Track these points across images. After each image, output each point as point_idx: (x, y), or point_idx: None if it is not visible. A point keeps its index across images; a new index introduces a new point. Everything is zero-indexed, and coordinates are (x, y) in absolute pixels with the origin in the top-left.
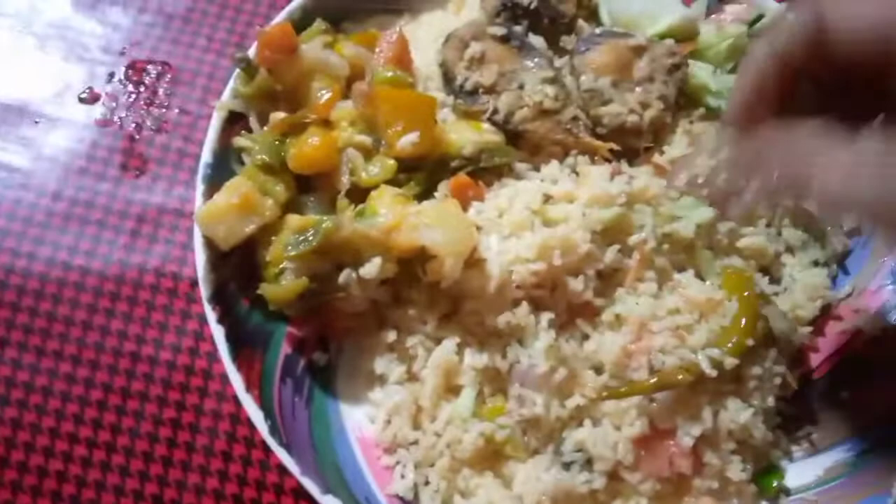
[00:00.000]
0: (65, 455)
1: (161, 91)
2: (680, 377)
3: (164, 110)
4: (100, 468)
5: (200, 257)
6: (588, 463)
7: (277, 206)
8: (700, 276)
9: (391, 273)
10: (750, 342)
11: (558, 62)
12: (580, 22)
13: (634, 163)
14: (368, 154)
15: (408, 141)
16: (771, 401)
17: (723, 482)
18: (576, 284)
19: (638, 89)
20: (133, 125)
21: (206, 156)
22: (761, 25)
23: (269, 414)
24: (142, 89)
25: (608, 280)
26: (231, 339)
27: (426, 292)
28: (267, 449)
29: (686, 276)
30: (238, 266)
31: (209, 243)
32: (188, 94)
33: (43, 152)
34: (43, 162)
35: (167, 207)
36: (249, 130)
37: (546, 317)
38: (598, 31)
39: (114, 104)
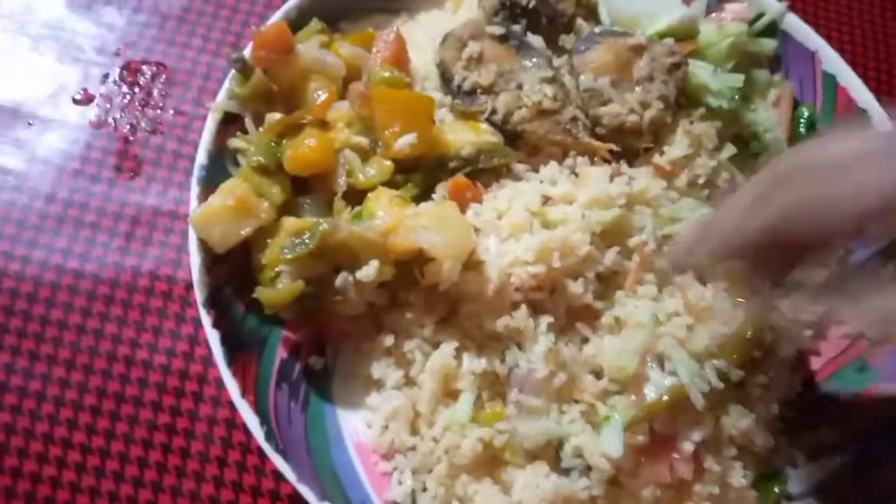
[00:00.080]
0: (59, 460)
1: (156, 92)
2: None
3: (158, 111)
4: (94, 474)
5: (195, 260)
6: (588, 469)
7: (273, 209)
8: (700, 279)
9: (388, 276)
10: (756, 353)
11: (557, 62)
12: (579, 21)
13: (634, 163)
14: (365, 155)
15: (405, 142)
16: (774, 408)
17: (724, 488)
18: (575, 287)
19: (638, 89)
20: (128, 126)
21: (202, 157)
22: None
23: (264, 419)
24: (136, 90)
25: (608, 282)
26: (226, 343)
27: (424, 295)
28: (263, 454)
29: (686, 278)
30: (233, 269)
31: (204, 246)
32: (183, 94)
33: (37, 154)
34: (36, 164)
35: (162, 209)
36: (245, 131)
37: (545, 320)
38: (597, 30)
39: (108, 105)
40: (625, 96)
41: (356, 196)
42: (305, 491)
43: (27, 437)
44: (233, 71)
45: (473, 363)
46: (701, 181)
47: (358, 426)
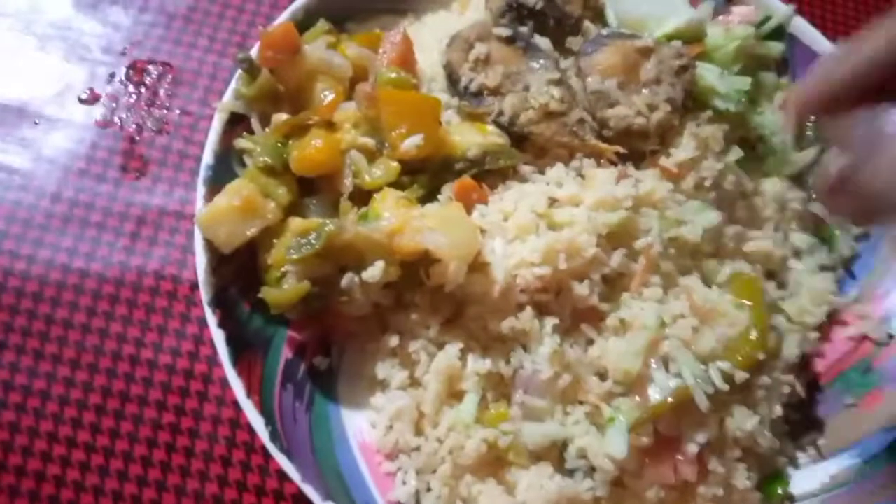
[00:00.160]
0: (63, 459)
1: (162, 92)
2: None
3: (165, 111)
4: (98, 473)
5: (201, 260)
6: (592, 470)
7: (279, 209)
8: (706, 282)
9: (394, 277)
10: (760, 356)
11: (564, 63)
12: (586, 23)
13: (641, 166)
14: (372, 156)
15: (412, 143)
16: (778, 409)
17: (728, 490)
18: (581, 289)
19: (645, 91)
20: (133, 126)
21: (208, 157)
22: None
23: (269, 419)
24: (143, 90)
25: (613, 284)
26: (232, 343)
27: (429, 296)
28: (267, 454)
29: (692, 280)
30: (239, 269)
31: (210, 246)
32: (189, 94)
33: (42, 153)
34: (42, 163)
35: (167, 209)
36: (251, 132)
37: (550, 322)
38: (604, 32)
39: (114, 105)
40: (632, 98)
41: (362, 197)
42: (310, 490)
43: (31, 436)
44: (239, 71)
45: (478, 364)
46: (707, 184)
47: (362, 426)
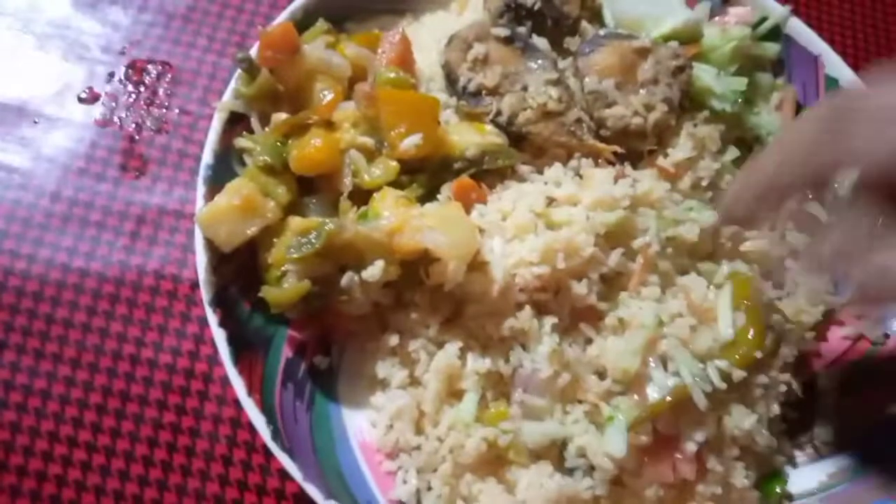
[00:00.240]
0: (64, 459)
1: (161, 91)
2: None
3: (164, 110)
4: (99, 472)
5: (201, 259)
6: (591, 469)
7: (279, 208)
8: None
9: (394, 276)
10: (758, 354)
11: (562, 64)
12: (584, 23)
13: (638, 166)
14: (371, 156)
15: (411, 143)
16: (776, 408)
17: (726, 488)
18: (579, 288)
19: (642, 91)
20: (133, 125)
21: (208, 157)
22: (763, 29)
23: (270, 418)
24: (142, 89)
25: (612, 284)
26: (232, 342)
27: (429, 295)
28: (268, 453)
29: (690, 279)
30: (239, 268)
31: (210, 245)
32: (188, 94)
33: (42, 152)
34: (42, 162)
35: (167, 209)
36: (251, 131)
37: (549, 321)
38: (601, 32)
39: (114, 104)
40: (629, 99)
41: (362, 196)
42: (311, 489)
43: (32, 436)
44: (239, 71)
45: (478, 363)
46: (704, 183)
47: (363, 425)
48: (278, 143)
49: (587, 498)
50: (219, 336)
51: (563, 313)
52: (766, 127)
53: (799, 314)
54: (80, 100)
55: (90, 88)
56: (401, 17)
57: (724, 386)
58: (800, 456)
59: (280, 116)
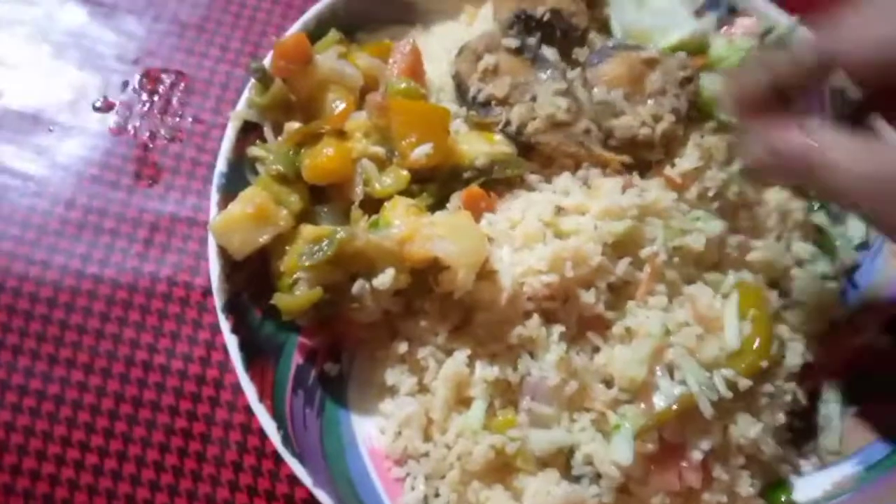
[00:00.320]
0: (76, 463)
1: (175, 100)
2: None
3: (177, 119)
4: (111, 477)
5: (214, 267)
6: (598, 477)
7: (292, 217)
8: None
9: (404, 284)
10: (764, 364)
11: (571, 74)
12: (592, 34)
13: (646, 175)
14: (382, 165)
15: (421, 152)
16: (781, 417)
17: (731, 497)
18: (587, 297)
19: (650, 102)
20: (147, 134)
21: (221, 165)
22: (770, 40)
23: (281, 424)
24: (156, 98)
25: (619, 293)
26: (244, 348)
27: (438, 303)
28: (277, 459)
29: (696, 288)
30: (251, 276)
31: (223, 253)
32: (202, 103)
33: (57, 160)
34: (57, 170)
35: (180, 216)
36: (264, 140)
37: (557, 329)
38: (610, 43)
39: (128, 113)
40: (637, 109)
41: (373, 205)
42: (321, 495)
43: (46, 440)
44: (252, 80)
45: (486, 371)
46: (711, 193)
47: (372, 432)
48: (291, 153)
49: None
50: (231, 342)
51: (570, 322)
52: None
53: (805, 324)
54: (95, 108)
55: (105, 97)
56: (411, 28)
57: (730, 395)
58: (805, 465)
59: (293, 126)
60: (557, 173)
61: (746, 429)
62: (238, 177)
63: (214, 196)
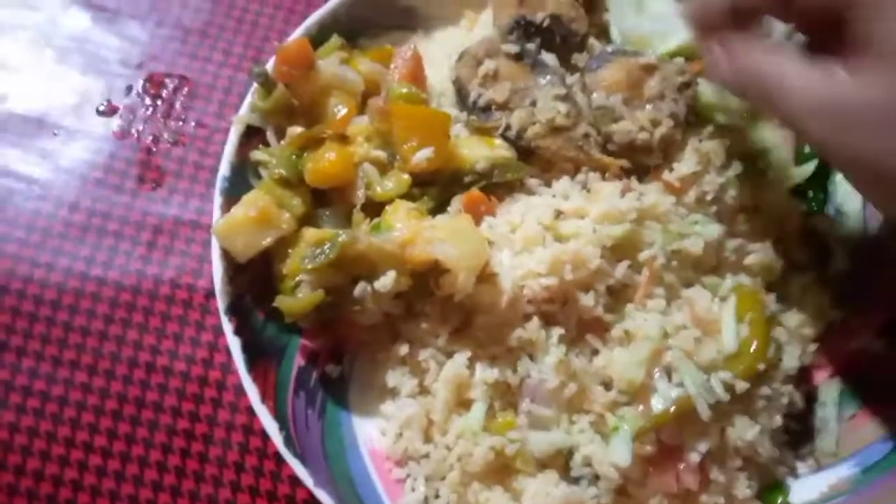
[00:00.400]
0: (80, 464)
1: (178, 104)
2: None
3: (181, 123)
4: (114, 478)
5: (218, 269)
6: (597, 478)
7: (294, 220)
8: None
9: (405, 286)
10: (761, 366)
11: (570, 79)
12: (592, 40)
13: (645, 179)
14: (383, 169)
15: (422, 156)
16: (778, 419)
17: (729, 499)
18: (586, 300)
19: (648, 107)
20: (150, 138)
21: (224, 169)
22: None
23: (283, 425)
24: (159, 102)
25: (618, 296)
26: (247, 350)
27: (439, 306)
28: (279, 460)
29: (694, 291)
30: (254, 278)
31: (226, 255)
32: (205, 107)
33: (61, 164)
34: (61, 174)
35: (183, 219)
36: (266, 144)
37: (557, 332)
38: (609, 49)
39: (131, 117)
40: (636, 114)
41: (374, 208)
42: (322, 496)
43: (50, 441)
44: (255, 85)
45: (486, 373)
46: (709, 198)
47: (373, 433)
48: (293, 157)
49: None
50: (234, 344)
51: (570, 324)
52: (770, 141)
53: (801, 327)
54: (99, 112)
55: (109, 101)
56: (412, 34)
57: (727, 397)
58: (801, 467)
59: (295, 130)
60: (557, 177)
61: (743, 431)
62: (241, 180)
63: (217, 199)
